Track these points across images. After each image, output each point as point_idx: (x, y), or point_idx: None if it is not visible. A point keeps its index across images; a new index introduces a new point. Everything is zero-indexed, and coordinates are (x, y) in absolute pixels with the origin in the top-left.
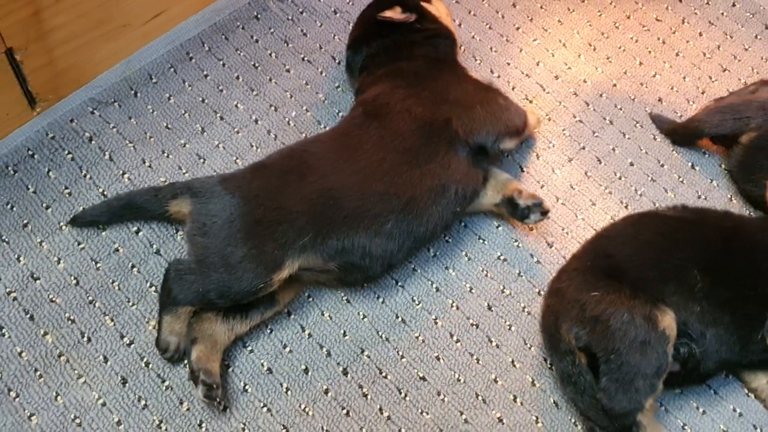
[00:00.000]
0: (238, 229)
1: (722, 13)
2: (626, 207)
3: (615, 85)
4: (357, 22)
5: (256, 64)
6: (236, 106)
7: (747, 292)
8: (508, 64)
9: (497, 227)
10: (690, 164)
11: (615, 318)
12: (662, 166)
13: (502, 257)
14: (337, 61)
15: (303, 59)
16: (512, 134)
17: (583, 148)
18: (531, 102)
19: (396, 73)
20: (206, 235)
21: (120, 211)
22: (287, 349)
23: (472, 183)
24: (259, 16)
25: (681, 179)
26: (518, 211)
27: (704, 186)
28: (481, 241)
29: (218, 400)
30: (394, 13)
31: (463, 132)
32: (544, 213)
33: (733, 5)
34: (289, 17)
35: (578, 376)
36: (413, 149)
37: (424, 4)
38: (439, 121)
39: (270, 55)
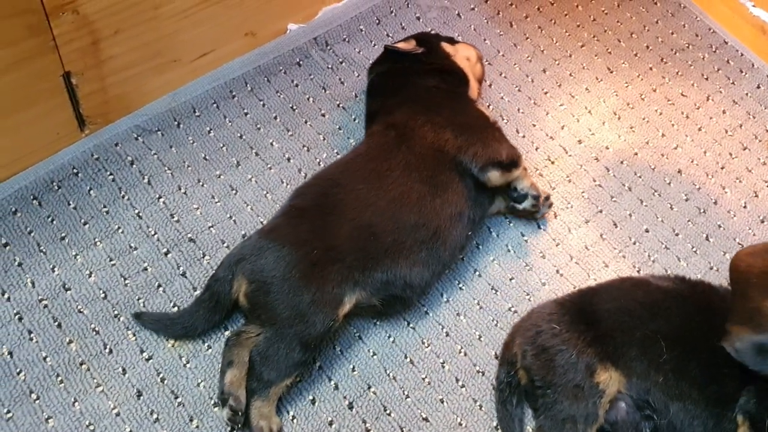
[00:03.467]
0: (299, 276)
1: (746, 94)
2: (638, 271)
3: (636, 154)
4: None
5: (294, 107)
6: (271, 143)
7: (723, 370)
8: (534, 125)
9: (510, 279)
10: (705, 236)
11: (561, 355)
12: (677, 235)
13: (512, 309)
14: None
15: (338, 105)
16: (495, 165)
17: (601, 211)
18: (553, 163)
19: (416, 99)
20: (270, 292)
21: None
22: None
23: (480, 209)
24: (301, 62)
25: (694, 249)
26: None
27: (717, 258)
28: (493, 291)
29: (239, 425)
30: (404, 44)
31: (454, 149)
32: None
33: (758, 87)
34: (329, 66)
35: (506, 386)
36: (433, 177)
37: (444, 44)
38: (442, 143)
39: (308, 99)
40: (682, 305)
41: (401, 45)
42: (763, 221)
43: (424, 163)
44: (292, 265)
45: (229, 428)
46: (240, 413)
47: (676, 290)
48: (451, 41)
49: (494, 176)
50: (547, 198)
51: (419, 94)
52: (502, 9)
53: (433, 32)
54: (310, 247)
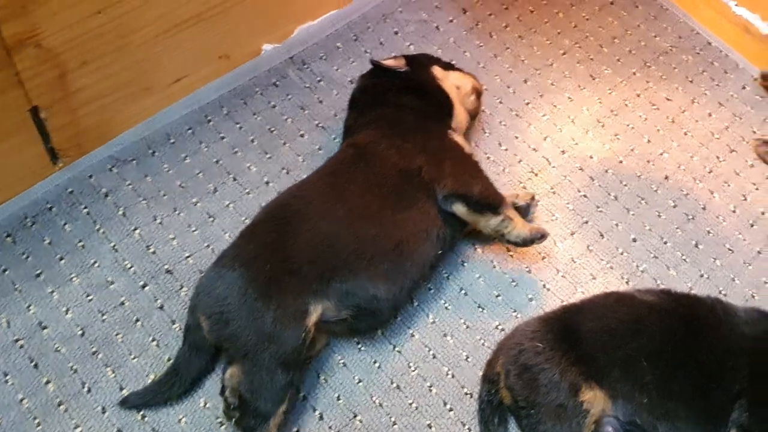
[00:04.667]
0: (255, 296)
1: (732, 95)
2: (627, 282)
3: (621, 162)
4: None
5: (272, 129)
6: (249, 167)
7: (711, 385)
8: (516, 137)
9: (497, 296)
10: (694, 243)
11: (544, 374)
12: (665, 243)
13: (500, 327)
14: None
15: (317, 125)
16: (461, 198)
17: (587, 222)
18: (536, 175)
19: (385, 120)
20: (229, 321)
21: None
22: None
23: (450, 228)
24: (277, 82)
25: (684, 257)
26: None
27: (707, 265)
28: (480, 309)
29: (233, 419)
30: (392, 61)
31: (429, 179)
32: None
33: (743, 88)
34: (307, 85)
35: (487, 405)
36: (396, 194)
37: (435, 68)
38: (413, 169)
39: (286, 120)
40: (666, 320)
41: (388, 61)
42: (753, 225)
43: (386, 181)
44: (246, 285)
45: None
46: (233, 407)
47: (661, 304)
48: (448, 67)
49: (459, 209)
50: (532, 198)
51: (392, 113)
52: (481, 20)
53: (434, 56)
54: (263, 262)
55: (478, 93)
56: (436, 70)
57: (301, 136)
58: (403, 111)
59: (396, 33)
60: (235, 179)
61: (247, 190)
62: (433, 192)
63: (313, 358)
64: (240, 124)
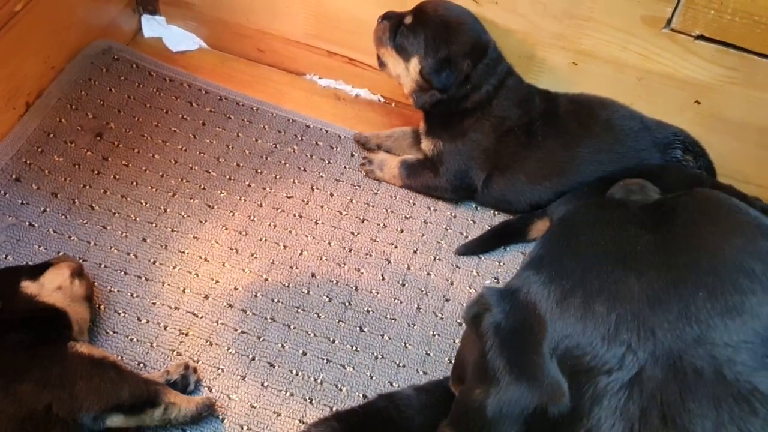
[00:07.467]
0: None
1: (345, 167)
2: (311, 402)
3: (266, 280)
4: None
5: None
6: None
7: None
8: (154, 303)
9: None
10: (358, 328)
11: None
12: (333, 342)
13: None
14: None
15: None
16: (116, 409)
17: (253, 358)
18: (187, 334)
19: None
20: None
21: None
22: None
23: None
24: None
25: (355, 347)
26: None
27: (377, 345)
28: None
29: None
30: None
31: (66, 413)
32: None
33: (352, 155)
34: None
35: None
36: None
37: (25, 284)
38: (40, 411)
39: None
40: None
41: None
42: (403, 284)
43: None
44: None
45: None
46: None
47: None
48: (36, 271)
49: (116, 421)
50: (186, 367)
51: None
52: (76, 196)
53: (14, 267)
54: None
55: (78, 273)
56: (27, 287)
57: None
58: (8, 351)
59: None
60: None
61: None
62: (74, 423)
63: None
64: None
